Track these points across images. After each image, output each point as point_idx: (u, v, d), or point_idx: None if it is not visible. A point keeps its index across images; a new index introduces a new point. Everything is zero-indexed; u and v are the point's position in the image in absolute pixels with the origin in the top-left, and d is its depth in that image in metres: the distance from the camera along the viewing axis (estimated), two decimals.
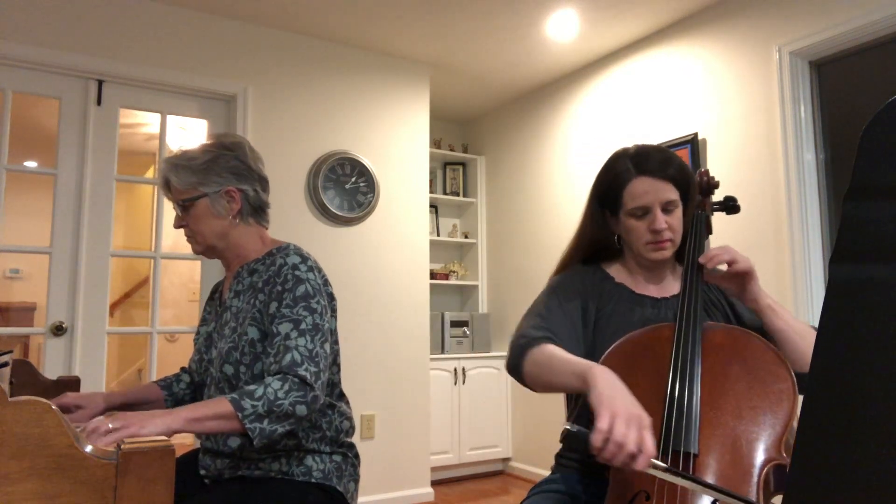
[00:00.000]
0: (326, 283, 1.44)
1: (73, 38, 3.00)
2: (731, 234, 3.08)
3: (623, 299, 1.33)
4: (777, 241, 2.90)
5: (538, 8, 3.30)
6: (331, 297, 1.44)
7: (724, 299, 1.35)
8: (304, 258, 1.41)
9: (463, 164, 4.95)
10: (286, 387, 1.23)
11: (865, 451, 0.32)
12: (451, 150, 4.91)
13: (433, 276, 4.55)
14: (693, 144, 3.26)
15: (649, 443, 0.91)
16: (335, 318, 1.46)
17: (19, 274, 6.12)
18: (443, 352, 4.31)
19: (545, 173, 4.30)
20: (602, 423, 0.92)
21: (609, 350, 1.19)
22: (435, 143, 4.76)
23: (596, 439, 0.92)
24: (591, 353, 1.29)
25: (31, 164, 5.43)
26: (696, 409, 1.03)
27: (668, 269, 1.39)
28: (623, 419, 0.92)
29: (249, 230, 1.50)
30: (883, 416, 0.32)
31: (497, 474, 4.39)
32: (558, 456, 1.37)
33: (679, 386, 1.06)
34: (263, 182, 1.52)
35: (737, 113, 3.11)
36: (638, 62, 3.67)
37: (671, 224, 1.28)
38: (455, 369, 4.20)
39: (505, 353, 4.37)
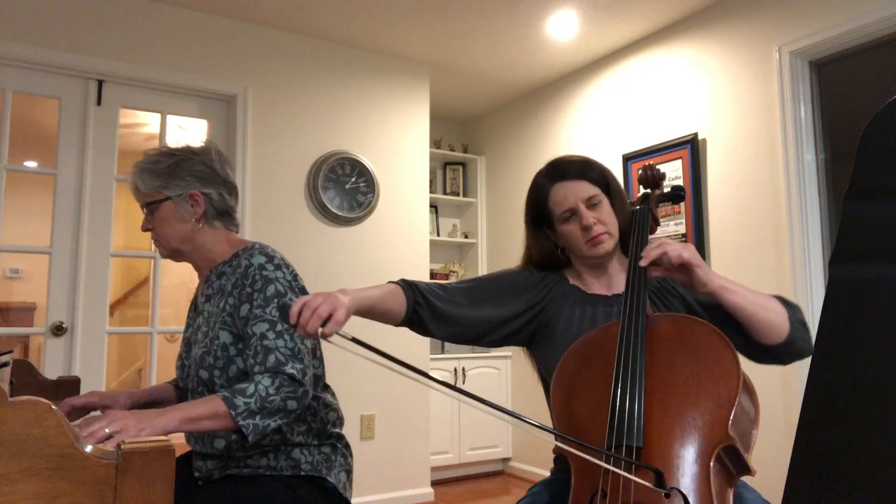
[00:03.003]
0: (296, 277, 1.43)
1: (73, 38, 3.00)
2: (732, 234, 3.08)
3: (576, 301, 1.38)
4: (777, 241, 2.89)
5: (538, 8, 3.30)
6: (304, 291, 1.44)
7: (680, 284, 1.36)
8: (270, 257, 1.41)
9: (463, 164, 4.95)
10: (276, 383, 1.24)
11: (865, 448, 0.32)
12: (451, 150, 4.91)
13: (433, 276, 4.55)
14: (693, 144, 3.26)
15: (340, 314, 1.09)
16: None
17: (19, 274, 6.12)
18: (443, 351, 4.31)
19: None
20: (303, 297, 1.12)
21: (564, 354, 1.22)
22: (435, 143, 4.76)
23: (294, 306, 1.10)
24: (547, 348, 1.35)
25: (31, 164, 5.43)
26: (639, 403, 1.04)
27: (617, 267, 1.42)
28: (322, 296, 1.11)
29: (215, 234, 1.50)
30: (882, 415, 0.32)
31: (497, 474, 4.39)
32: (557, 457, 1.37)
33: (622, 382, 1.08)
34: (230, 187, 1.53)
35: (737, 113, 3.11)
36: (638, 62, 3.67)
37: (599, 218, 1.34)
38: (455, 369, 4.20)
39: (505, 354, 4.38)
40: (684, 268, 1.21)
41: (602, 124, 3.88)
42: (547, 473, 1.39)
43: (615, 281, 1.40)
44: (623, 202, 1.41)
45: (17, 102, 2.99)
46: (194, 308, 1.57)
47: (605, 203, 1.36)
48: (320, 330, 1.08)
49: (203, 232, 1.48)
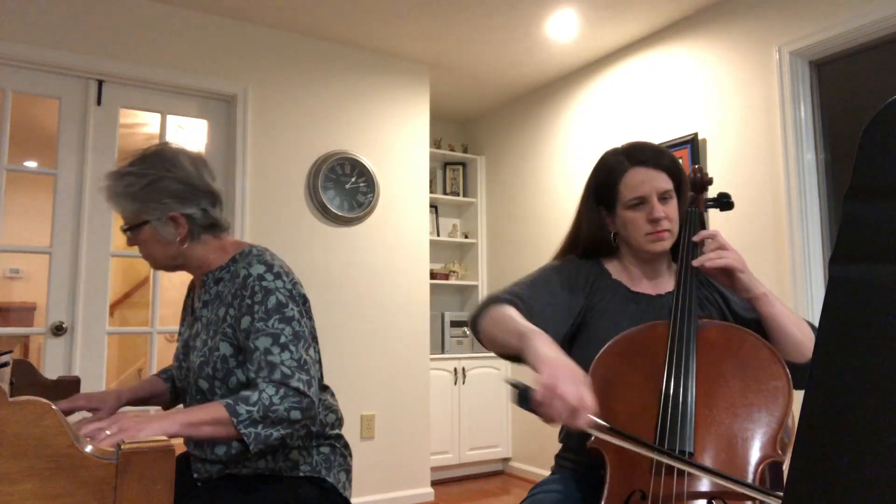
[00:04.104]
0: (296, 285, 1.38)
1: (73, 38, 3.00)
2: (732, 234, 3.08)
3: (618, 296, 1.33)
4: (777, 241, 2.89)
5: (538, 8, 3.30)
6: (304, 299, 1.40)
7: (719, 295, 1.35)
8: (269, 265, 1.36)
9: (463, 164, 4.95)
10: (281, 392, 1.22)
11: (865, 451, 0.32)
12: (451, 150, 4.91)
13: (433, 276, 4.55)
14: (693, 144, 3.26)
15: (589, 399, 0.92)
16: (311, 319, 1.42)
17: (19, 274, 6.12)
18: (443, 352, 4.31)
19: (545, 173, 4.30)
20: (544, 377, 0.93)
21: (605, 348, 1.19)
22: (435, 143, 4.76)
23: (538, 393, 0.92)
24: (585, 347, 1.29)
25: (31, 164, 5.42)
26: (691, 407, 1.03)
27: (665, 266, 1.39)
28: (564, 375, 0.93)
29: (205, 246, 1.44)
30: (883, 417, 0.32)
31: (497, 474, 4.39)
32: (558, 456, 1.37)
33: (674, 384, 1.06)
34: (213, 197, 1.42)
35: (737, 113, 3.11)
36: (638, 62, 3.67)
37: (668, 214, 1.29)
38: (455, 369, 4.20)
39: None
40: (728, 272, 1.22)
41: (602, 124, 3.88)
42: (547, 473, 1.38)
43: (662, 281, 1.37)
44: (685, 204, 1.36)
45: (17, 102, 2.99)
46: (191, 312, 1.53)
47: (675, 201, 1.32)
48: (575, 422, 0.93)
49: (192, 248, 1.41)
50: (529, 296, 1.27)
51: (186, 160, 1.39)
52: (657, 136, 3.49)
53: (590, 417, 0.92)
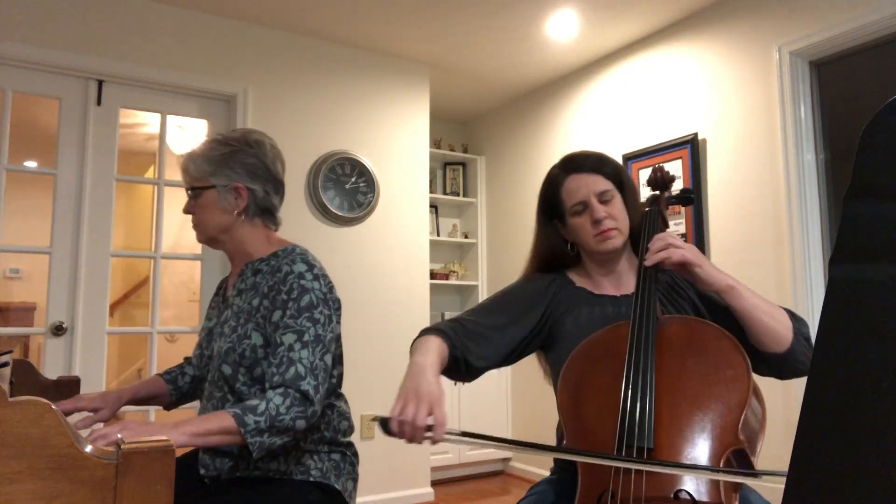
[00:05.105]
0: (332, 289, 1.42)
1: (73, 38, 3.00)
2: (732, 234, 3.08)
3: (583, 302, 1.36)
4: (777, 241, 2.89)
5: (538, 8, 3.30)
6: (338, 304, 1.44)
7: (692, 289, 1.35)
8: (311, 265, 1.40)
9: (463, 164, 4.95)
10: (287, 402, 1.24)
11: (865, 451, 0.32)
12: (451, 150, 4.91)
13: (433, 276, 4.55)
14: (693, 144, 3.26)
15: (440, 415, 1.02)
16: (339, 323, 1.45)
17: (19, 274, 6.12)
18: None
19: (545, 173, 4.29)
20: (394, 409, 1.04)
21: (572, 354, 1.21)
22: (435, 143, 4.76)
23: (391, 423, 1.03)
24: (557, 355, 1.32)
25: (31, 164, 5.43)
26: (649, 404, 1.04)
27: (626, 266, 1.41)
28: (413, 400, 1.04)
29: (255, 230, 1.50)
30: (883, 417, 0.32)
31: (497, 474, 4.39)
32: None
33: (633, 383, 1.07)
34: (278, 185, 1.52)
35: (737, 113, 3.11)
36: (638, 62, 3.67)
37: (611, 213, 1.34)
38: None
39: None
40: (685, 267, 1.21)
41: (602, 124, 3.88)
42: (546, 473, 1.39)
43: (624, 280, 1.39)
44: (636, 200, 1.40)
45: (17, 102, 2.99)
46: (223, 300, 1.56)
47: (618, 199, 1.36)
48: (430, 438, 1.02)
49: (242, 226, 1.48)
50: (471, 319, 1.33)
51: (269, 146, 1.51)
52: (657, 136, 3.49)
53: (443, 432, 1.01)
